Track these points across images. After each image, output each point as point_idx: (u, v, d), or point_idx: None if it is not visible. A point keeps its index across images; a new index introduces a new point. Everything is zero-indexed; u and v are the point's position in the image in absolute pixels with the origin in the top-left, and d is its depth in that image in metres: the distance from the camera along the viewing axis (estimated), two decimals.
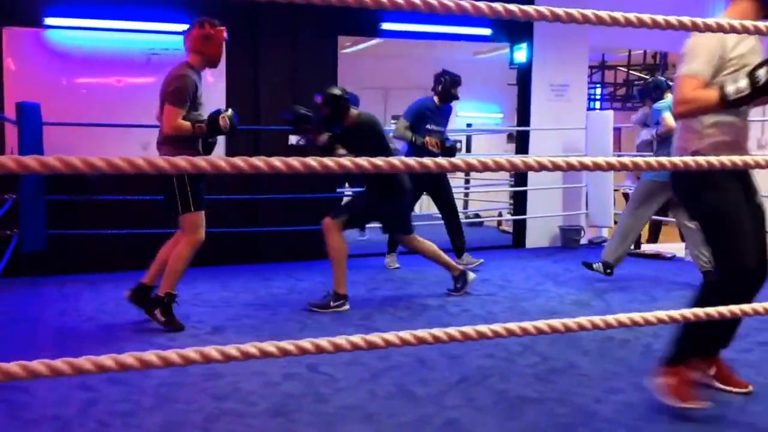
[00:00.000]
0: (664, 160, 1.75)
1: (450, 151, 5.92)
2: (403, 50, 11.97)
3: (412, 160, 1.53)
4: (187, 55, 4.23)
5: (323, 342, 1.46)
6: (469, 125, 12.54)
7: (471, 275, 5.23)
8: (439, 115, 6.05)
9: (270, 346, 1.38)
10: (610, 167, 1.71)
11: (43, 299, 4.38)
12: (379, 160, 1.49)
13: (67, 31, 6.09)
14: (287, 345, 1.40)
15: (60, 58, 5.91)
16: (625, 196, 8.25)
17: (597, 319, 1.70)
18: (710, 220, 2.92)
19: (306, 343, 1.43)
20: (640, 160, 1.73)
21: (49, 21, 5.96)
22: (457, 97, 6.08)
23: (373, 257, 6.71)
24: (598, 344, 3.88)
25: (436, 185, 6.11)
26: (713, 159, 1.71)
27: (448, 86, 5.97)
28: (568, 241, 7.61)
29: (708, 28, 1.68)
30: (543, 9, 1.55)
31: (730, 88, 2.51)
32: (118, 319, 4.47)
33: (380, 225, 5.22)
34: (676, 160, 1.75)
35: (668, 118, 5.33)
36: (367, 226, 6.19)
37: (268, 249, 6.58)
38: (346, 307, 4.73)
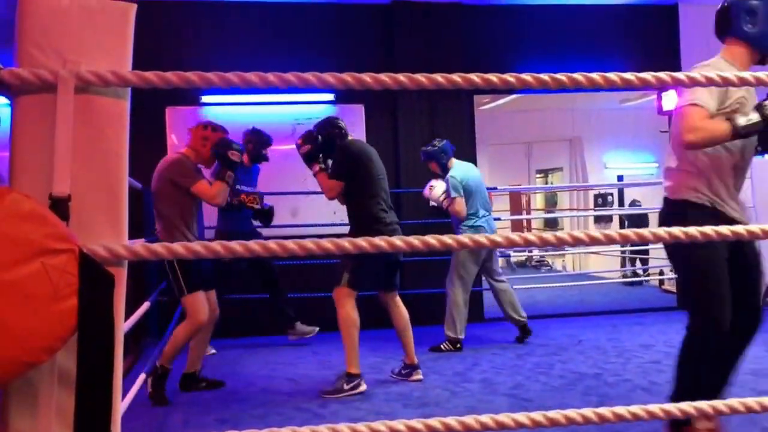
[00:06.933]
0: None
1: (266, 215, 5.46)
2: (544, 102, 11.75)
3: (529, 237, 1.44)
4: (185, 147, 4.34)
5: (486, 419, 1.46)
6: (620, 178, 11.83)
7: (418, 374, 4.60)
8: (249, 174, 5.60)
9: (436, 422, 1.44)
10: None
11: (205, 363, 4.55)
12: (514, 236, 1.53)
13: (220, 107, 6.57)
14: (451, 421, 1.44)
15: None
16: None
17: None
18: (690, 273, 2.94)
19: (469, 420, 1.45)
20: None
21: (205, 99, 6.53)
22: (266, 159, 5.63)
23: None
24: None
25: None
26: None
27: (258, 147, 5.55)
28: None
29: None
30: (695, 75, 1.59)
31: (741, 119, 2.54)
32: (275, 383, 4.61)
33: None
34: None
35: (459, 204, 5.41)
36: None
37: (413, 311, 6.49)
38: (363, 387, 4.28)
